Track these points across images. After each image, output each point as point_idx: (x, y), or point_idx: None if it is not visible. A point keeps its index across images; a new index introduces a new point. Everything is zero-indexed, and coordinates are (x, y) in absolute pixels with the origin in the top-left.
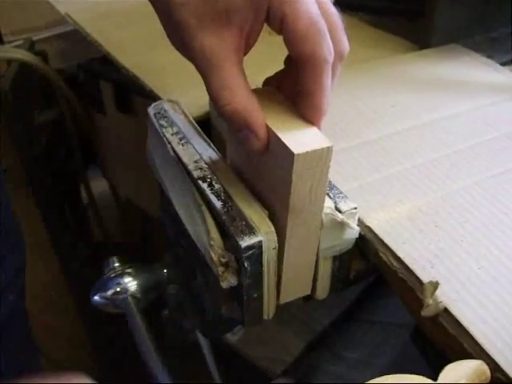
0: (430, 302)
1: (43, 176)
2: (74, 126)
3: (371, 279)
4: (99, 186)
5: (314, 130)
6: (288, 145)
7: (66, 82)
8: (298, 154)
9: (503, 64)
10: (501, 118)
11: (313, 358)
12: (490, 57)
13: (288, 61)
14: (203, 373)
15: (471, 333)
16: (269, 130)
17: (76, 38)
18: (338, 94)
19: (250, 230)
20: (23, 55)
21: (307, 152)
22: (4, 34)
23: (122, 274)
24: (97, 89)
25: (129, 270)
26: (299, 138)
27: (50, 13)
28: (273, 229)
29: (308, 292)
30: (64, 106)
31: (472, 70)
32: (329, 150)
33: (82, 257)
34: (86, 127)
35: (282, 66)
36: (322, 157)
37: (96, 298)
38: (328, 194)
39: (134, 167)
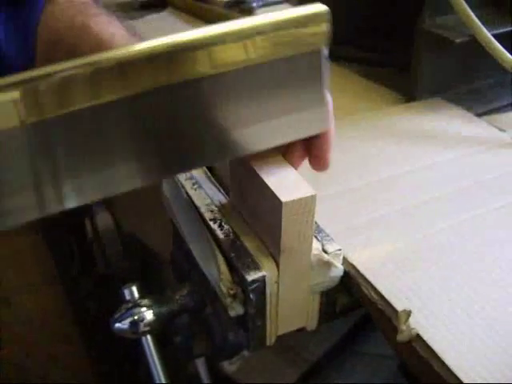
0: (404, 328)
1: None
2: None
3: (361, 313)
4: (104, 219)
5: (299, 177)
6: (276, 193)
7: None
8: (286, 202)
9: (480, 115)
10: (474, 168)
11: None
12: (469, 108)
13: None
14: None
15: (440, 355)
16: (259, 178)
17: None
18: None
19: (255, 266)
20: None
21: (294, 200)
22: None
23: (139, 304)
24: None
25: (146, 300)
26: (287, 186)
27: None
28: (275, 265)
29: (303, 324)
30: None
31: (451, 123)
32: (313, 198)
33: (86, 289)
34: None
35: None
36: (307, 203)
37: (117, 325)
38: (316, 237)
39: (137, 202)
